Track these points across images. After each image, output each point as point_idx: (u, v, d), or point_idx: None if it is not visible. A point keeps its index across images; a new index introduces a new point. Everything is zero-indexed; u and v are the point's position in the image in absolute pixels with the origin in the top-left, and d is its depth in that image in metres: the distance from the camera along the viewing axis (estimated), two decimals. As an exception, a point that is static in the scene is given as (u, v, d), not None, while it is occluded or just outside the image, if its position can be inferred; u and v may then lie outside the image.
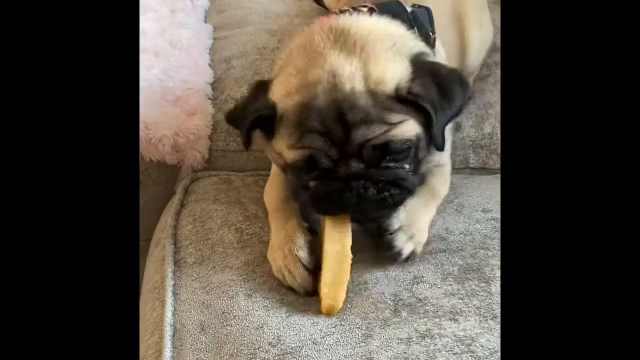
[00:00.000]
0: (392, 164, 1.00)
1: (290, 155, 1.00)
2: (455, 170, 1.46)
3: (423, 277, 1.05)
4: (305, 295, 1.02)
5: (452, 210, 1.20)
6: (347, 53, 1.00)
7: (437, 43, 1.25)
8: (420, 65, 1.01)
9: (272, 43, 1.66)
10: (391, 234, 1.04)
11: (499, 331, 0.94)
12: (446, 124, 1.03)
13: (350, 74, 0.97)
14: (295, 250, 1.02)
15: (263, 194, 1.20)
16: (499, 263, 1.06)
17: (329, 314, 0.97)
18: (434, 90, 0.99)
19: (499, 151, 1.46)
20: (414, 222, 1.07)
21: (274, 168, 1.20)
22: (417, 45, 1.07)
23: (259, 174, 1.37)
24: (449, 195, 1.25)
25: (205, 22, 1.83)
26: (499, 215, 1.17)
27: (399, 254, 1.04)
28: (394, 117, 0.97)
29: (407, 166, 1.01)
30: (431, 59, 1.06)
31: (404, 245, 1.04)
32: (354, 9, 1.14)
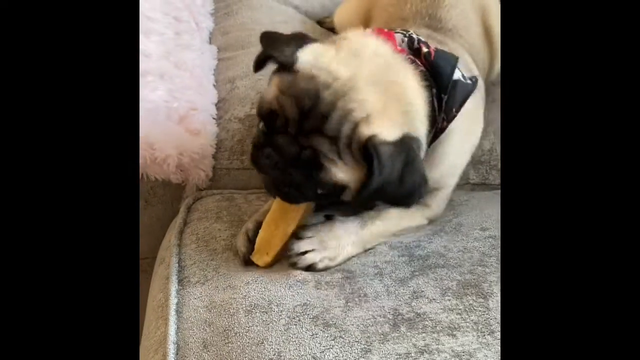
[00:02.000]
0: (309, 180, 1.05)
1: (268, 95, 1.06)
2: (456, 186, 1.48)
3: (422, 291, 1.06)
4: (243, 260, 1.16)
5: (451, 229, 1.22)
6: (377, 84, 1.04)
7: (481, 86, 1.30)
8: (404, 145, 1.02)
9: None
10: (299, 237, 1.11)
11: (497, 347, 0.95)
12: (379, 198, 1.06)
13: (362, 102, 1.02)
14: (249, 222, 1.20)
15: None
16: (497, 279, 1.07)
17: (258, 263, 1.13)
18: (395, 170, 1.01)
19: (499, 167, 1.47)
20: (332, 238, 1.12)
21: None
22: (422, 125, 1.08)
23: (262, 192, 1.39)
24: (447, 215, 1.27)
25: (210, 43, 1.87)
26: (497, 234, 1.18)
27: (295, 262, 1.11)
28: (346, 158, 1.02)
29: (319, 192, 1.07)
30: (420, 150, 1.07)
31: (305, 255, 1.10)
32: (420, 42, 1.14)
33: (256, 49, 1.75)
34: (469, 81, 1.14)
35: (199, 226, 1.28)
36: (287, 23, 1.88)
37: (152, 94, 1.53)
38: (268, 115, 1.05)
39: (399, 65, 1.09)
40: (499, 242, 1.15)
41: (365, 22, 1.66)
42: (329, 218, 1.17)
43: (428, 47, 1.13)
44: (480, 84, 1.34)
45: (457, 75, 1.12)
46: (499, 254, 1.12)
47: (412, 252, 1.15)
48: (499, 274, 1.08)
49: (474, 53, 1.40)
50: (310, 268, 1.11)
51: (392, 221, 1.19)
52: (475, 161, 1.48)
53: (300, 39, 1.09)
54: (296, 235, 1.12)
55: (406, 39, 1.15)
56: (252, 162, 1.10)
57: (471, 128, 1.29)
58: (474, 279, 1.07)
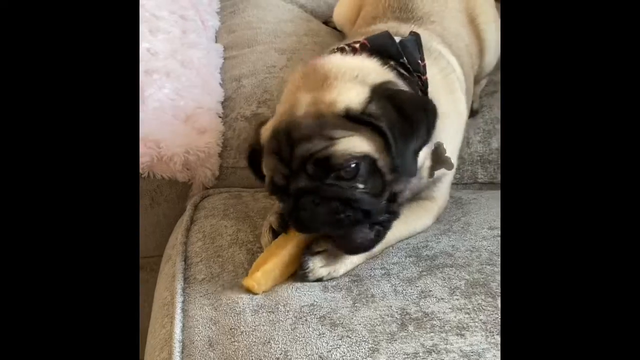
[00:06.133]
0: (341, 183, 1.01)
1: (265, 179, 1.09)
2: (464, 185, 1.47)
3: (430, 291, 1.05)
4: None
5: (459, 229, 1.20)
6: (311, 87, 1.07)
7: (447, 60, 1.30)
8: (379, 91, 1.03)
9: (281, 61, 1.69)
10: (310, 255, 1.09)
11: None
12: (414, 149, 1.03)
13: (305, 101, 1.05)
14: (270, 216, 1.18)
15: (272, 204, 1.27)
16: (506, 278, 1.06)
17: (247, 289, 1.08)
18: (392, 113, 1.01)
19: (507, 166, 1.46)
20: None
21: None
22: (383, 75, 1.09)
23: (269, 190, 1.39)
24: (455, 214, 1.25)
25: (216, 42, 1.87)
26: (506, 232, 1.17)
27: (306, 275, 1.08)
28: (338, 133, 1.00)
29: (360, 186, 1.02)
30: (399, 87, 1.07)
31: (317, 269, 1.08)
32: (349, 45, 1.18)
33: (263, 47, 1.78)
34: (409, 36, 1.18)
35: (205, 223, 1.28)
36: (292, 22, 1.88)
37: (158, 92, 1.53)
38: (273, 186, 1.06)
39: (322, 62, 1.11)
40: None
41: (357, 18, 1.67)
42: None
43: (358, 42, 1.16)
44: (458, 69, 1.33)
45: (396, 38, 1.15)
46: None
47: (420, 252, 1.14)
48: (508, 273, 1.07)
49: (451, 37, 1.40)
50: (317, 280, 1.09)
51: (400, 228, 1.17)
52: (483, 160, 1.48)
53: (259, 125, 1.14)
54: (310, 251, 1.10)
55: (337, 52, 1.17)
56: (301, 228, 1.06)
57: (457, 108, 1.28)
58: (482, 278, 1.06)
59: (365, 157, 1.01)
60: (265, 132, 1.10)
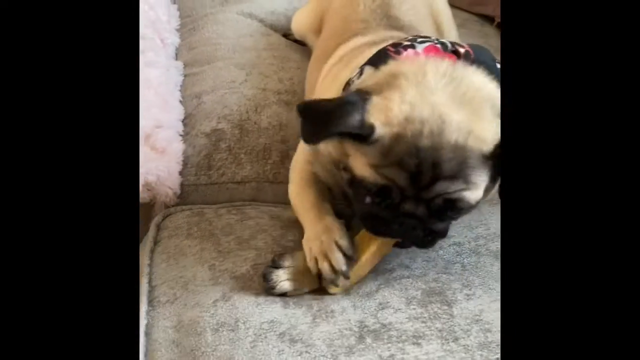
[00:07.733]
0: (447, 219, 1.03)
1: (367, 174, 1.00)
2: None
3: (388, 302, 1.07)
4: (329, 283, 1.09)
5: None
6: (458, 103, 1.00)
7: None
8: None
9: (240, 77, 1.70)
10: (275, 267, 1.11)
11: (461, 354, 0.96)
12: None
13: (457, 125, 0.97)
14: (336, 238, 1.09)
15: (289, 198, 1.26)
16: (460, 286, 1.09)
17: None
18: None
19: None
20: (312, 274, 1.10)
21: (302, 172, 1.25)
22: None
23: (232, 205, 1.39)
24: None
25: (176, 59, 1.87)
26: (460, 240, 1.20)
27: (272, 287, 1.10)
28: (476, 178, 0.98)
29: (454, 222, 1.06)
30: None
31: (280, 282, 1.10)
32: (453, 44, 1.12)
33: (222, 63, 1.78)
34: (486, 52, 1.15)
35: (169, 244, 1.28)
36: (252, 36, 1.89)
37: (116, 113, 1.52)
38: (381, 192, 1.00)
39: (461, 72, 1.05)
40: (463, 248, 1.17)
41: (319, 25, 1.68)
42: None
43: (462, 46, 1.11)
44: None
45: (497, 64, 1.11)
46: (463, 260, 1.14)
47: (378, 267, 1.16)
48: (463, 280, 1.09)
49: None
50: (283, 294, 1.10)
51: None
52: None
53: (354, 102, 0.99)
54: (275, 264, 1.11)
55: (439, 45, 1.11)
56: (380, 234, 1.06)
57: None
58: (438, 287, 1.08)
59: (477, 204, 1.02)
60: (389, 129, 0.97)
